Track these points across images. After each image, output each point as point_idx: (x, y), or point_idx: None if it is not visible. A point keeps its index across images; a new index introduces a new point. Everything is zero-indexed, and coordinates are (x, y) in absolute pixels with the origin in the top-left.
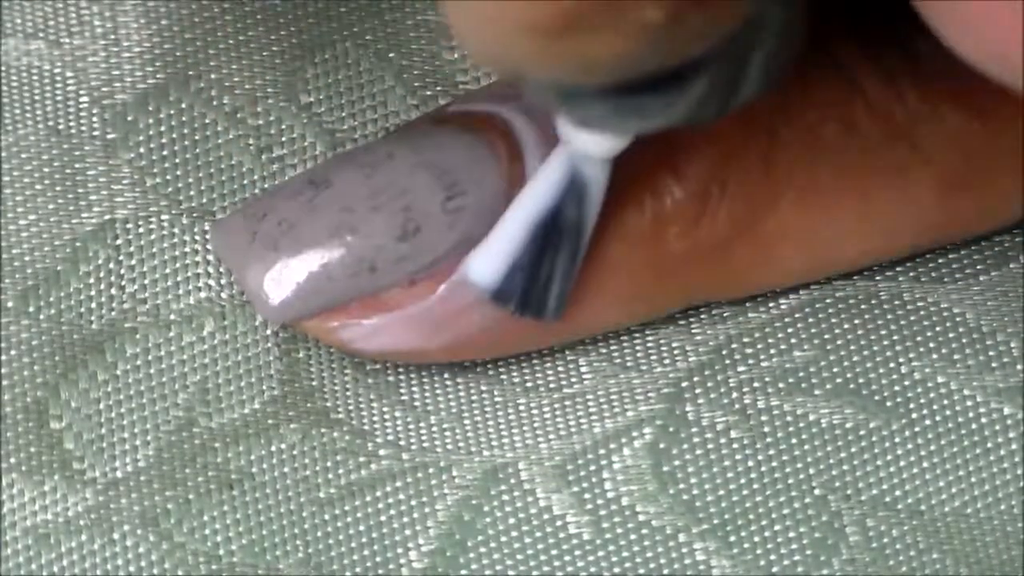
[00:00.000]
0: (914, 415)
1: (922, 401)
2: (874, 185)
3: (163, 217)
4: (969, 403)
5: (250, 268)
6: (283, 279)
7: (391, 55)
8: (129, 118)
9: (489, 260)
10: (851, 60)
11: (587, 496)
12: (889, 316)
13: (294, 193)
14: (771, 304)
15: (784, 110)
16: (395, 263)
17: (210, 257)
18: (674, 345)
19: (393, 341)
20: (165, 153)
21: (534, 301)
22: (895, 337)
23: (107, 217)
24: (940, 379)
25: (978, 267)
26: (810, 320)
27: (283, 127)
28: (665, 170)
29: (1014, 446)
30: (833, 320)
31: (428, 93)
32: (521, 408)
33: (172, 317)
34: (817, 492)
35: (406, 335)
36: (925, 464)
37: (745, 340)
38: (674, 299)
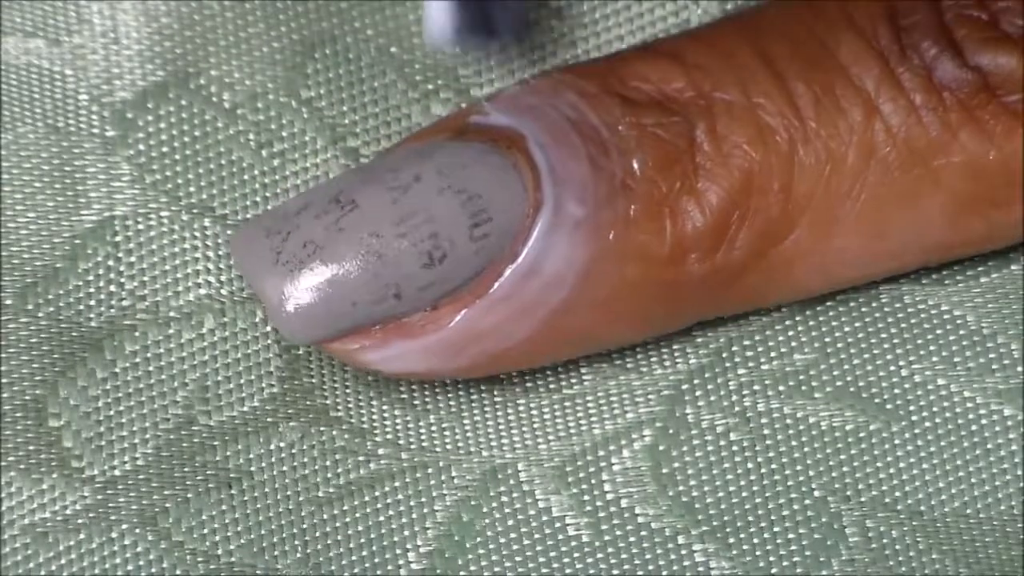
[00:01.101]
0: (914, 417)
1: (922, 403)
2: (889, 209)
3: (163, 214)
4: (969, 404)
5: (274, 289)
6: (307, 303)
7: (392, 50)
8: (128, 116)
9: (439, 15)
10: (872, 83)
11: (586, 498)
12: (890, 319)
13: (319, 212)
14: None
15: (806, 137)
16: (420, 290)
17: (210, 254)
18: (674, 347)
19: (413, 365)
20: (165, 150)
21: (497, 21)
22: (896, 340)
23: (106, 214)
24: (940, 381)
25: (979, 269)
26: (810, 323)
27: (283, 122)
28: (687, 197)
29: (1014, 447)
30: (834, 323)
31: (430, 87)
32: (521, 409)
33: (171, 314)
34: (817, 493)
35: (426, 360)
36: (925, 465)
37: (745, 343)
38: (686, 318)
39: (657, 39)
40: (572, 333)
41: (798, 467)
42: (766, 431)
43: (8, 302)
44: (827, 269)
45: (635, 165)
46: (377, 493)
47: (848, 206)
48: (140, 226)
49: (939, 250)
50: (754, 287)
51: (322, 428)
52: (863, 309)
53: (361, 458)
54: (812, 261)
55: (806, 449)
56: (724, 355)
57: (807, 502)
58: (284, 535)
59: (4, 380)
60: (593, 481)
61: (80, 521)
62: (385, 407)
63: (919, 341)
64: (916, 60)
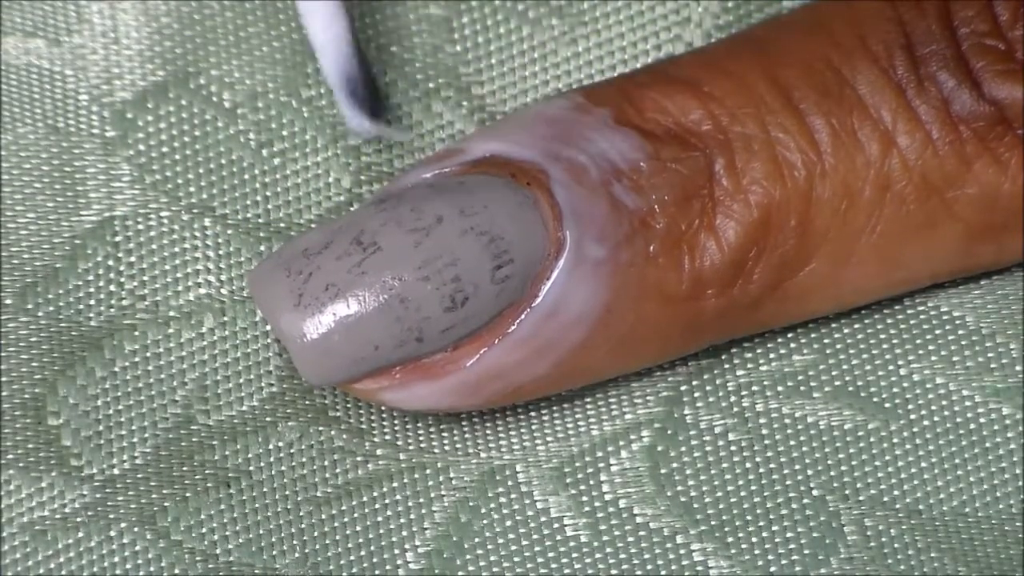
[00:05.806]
0: (912, 416)
1: (920, 402)
2: (903, 241)
3: (163, 214)
4: (968, 403)
5: (295, 331)
6: (328, 346)
7: (393, 48)
8: (128, 116)
9: (356, 108)
10: (889, 115)
11: (584, 498)
12: (889, 319)
13: (341, 254)
14: None
15: (823, 171)
16: (441, 333)
17: (210, 254)
18: None
19: (432, 403)
20: (164, 150)
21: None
22: (895, 340)
23: (106, 214)
24: (939, 380)
25: None
26: (809, 324)
27: (284, 122)
28: (705, 233)
29: (1012, 446)
30: (832, 324)
31: (431, 86)
32: (519, 410)
33: (171, 314)
34: (815, 493)
35: (445, 398)
36: (924, 464)
37: (744, 344)
38: (699, 346)
39: (670, 60)
40: (589, 369)
41: (796, 466)
42: (764, 431)
43: (8, 302)
44: (840, 298)
45: (654, 202)
46: (375, 493)
47: (863, 239)
48: (140, 226)
49: (949, 275)
50: (767, 316)
51: (321, 428)
52: (862, 310)
53: (359, 458)
54: (826, 292)
55: (804, 448)
56: (723, 356)
57: (806, 501)
58: (282, 535)
59: (4, 379)
60: (592, 482)
61: (79, 519)
62: (384, 407)
63: (918, 340)
64: (933, 92)
